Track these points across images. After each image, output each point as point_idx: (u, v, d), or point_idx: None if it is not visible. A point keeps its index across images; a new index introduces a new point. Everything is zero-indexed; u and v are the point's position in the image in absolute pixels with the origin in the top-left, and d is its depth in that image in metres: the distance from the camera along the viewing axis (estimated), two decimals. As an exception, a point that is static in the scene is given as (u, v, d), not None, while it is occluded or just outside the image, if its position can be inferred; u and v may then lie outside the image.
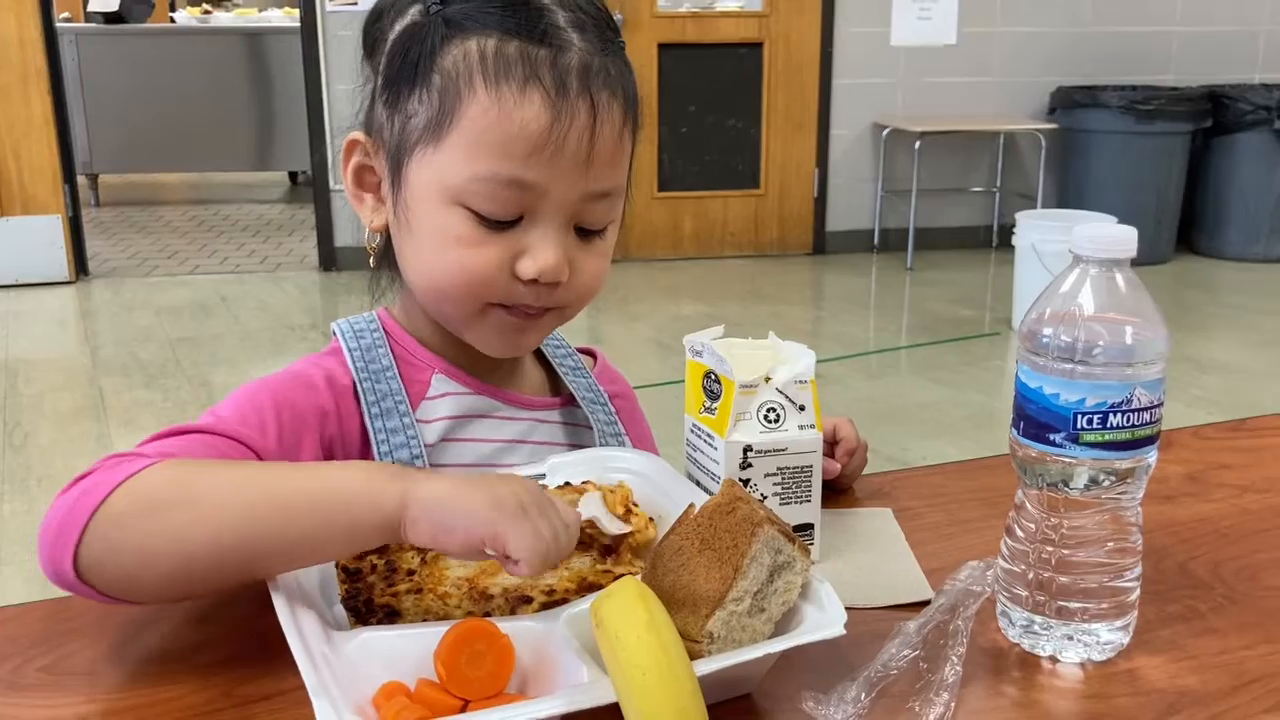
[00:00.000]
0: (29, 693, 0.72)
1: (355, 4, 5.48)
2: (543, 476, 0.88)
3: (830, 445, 1.01)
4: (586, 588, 0.76)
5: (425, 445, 0.91)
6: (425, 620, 0.73)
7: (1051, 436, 0.74)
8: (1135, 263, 0.73)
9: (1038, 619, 0.78)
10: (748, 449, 0.86)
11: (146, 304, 5.20)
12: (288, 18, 7.80)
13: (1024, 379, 0.76)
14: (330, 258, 5.73)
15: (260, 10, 8.82)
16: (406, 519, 0.70)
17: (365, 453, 0.91)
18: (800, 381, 0.88)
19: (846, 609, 0.69)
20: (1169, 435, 1.13)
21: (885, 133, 5.91)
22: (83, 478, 0.73)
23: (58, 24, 5.61)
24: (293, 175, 8.37)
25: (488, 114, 0.83)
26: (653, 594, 0.66)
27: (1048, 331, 0.74)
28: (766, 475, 0.87)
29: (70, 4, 8.21)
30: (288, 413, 0.88)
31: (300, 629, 0.68)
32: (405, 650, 0.68)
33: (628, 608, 0.64)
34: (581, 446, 0.99)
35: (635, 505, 0.82)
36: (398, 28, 0.89)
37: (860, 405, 3.82)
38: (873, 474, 1.07)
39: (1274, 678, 0.75)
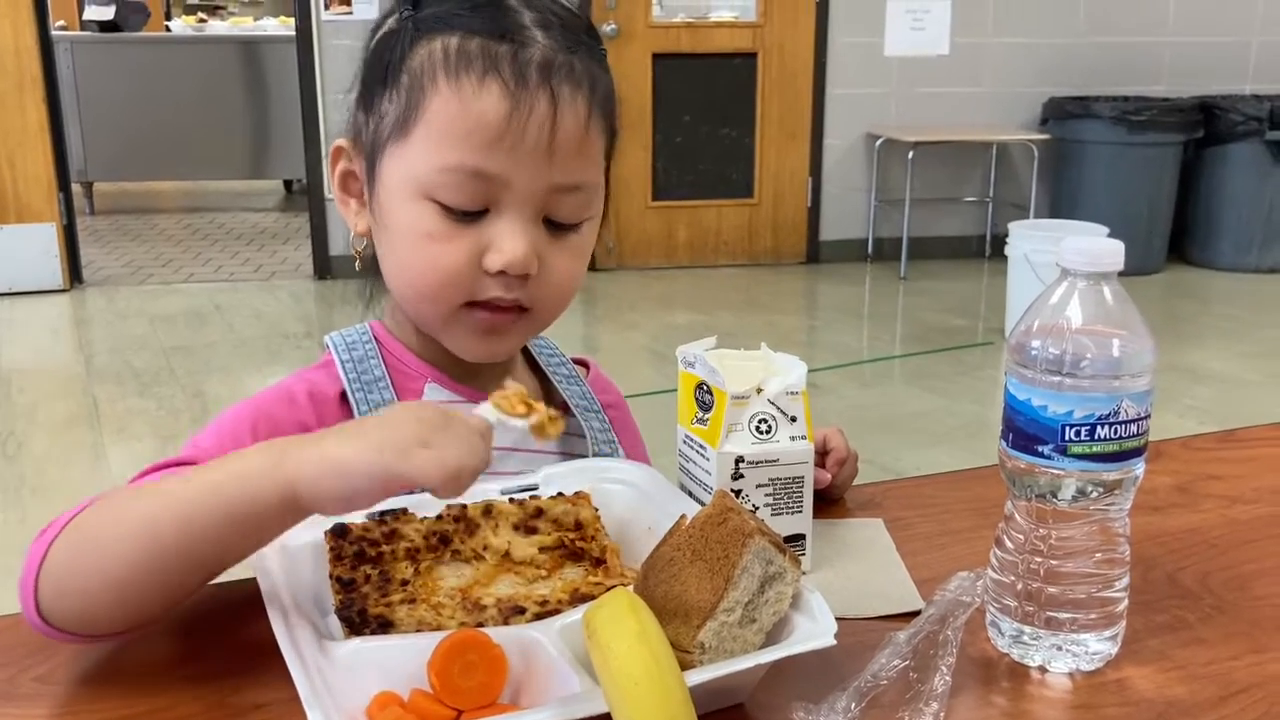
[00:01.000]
0: (24, 702, 0.73)
1: (351, 13, 5.49)
2: (535, 486, 0.89)
3: (820, 455, 1.02)
4: (579, 598, 0.77)
5: None
6: (419, 630, 0.74)
7: (1040, 448, 0.75)
8: (1127, 273, 0.74)
9: (1027, 629, 0.78)
10: (739, 460, 0.87)
11: (141, 312, 5.20)
12: (283, 26, 7.81)
13: (1013, 391, 0.76)
14: (325, 266, 5.73)
15: (255, 19, 8.83)
16: (304, 499, 0.70)
17: None
18: (792, 393, 0.89)
19: (837, 619, 0.70)
20: (1158, 446, 1.13)
21: (879, 142, 5.92)
22: (45, 530, 0.75)
23: (53, 32, 5.61)
24: (288, 184, 8.37)
25: (448, 105, 0.85)
26: (644, 604, 0.67)
27: (1036, 344, 0.75)
28: (758, 486, 0.88)
29: (66, 12, 8.22)
30: (265, 430, 0.89)
31: (294, 638, 0.68)
32: (399, 660, 0.69)
33: (619, 618, 0.65)
34: (575, 455, 0.99)
35: (533, 401, 0.80)
36: (377, 36, 0.93)
37: (853, 414, 3.83)
38: (864, 484, 1.08)
39: (1261, 688, 0.75)
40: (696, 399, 0.91)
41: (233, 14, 10.00)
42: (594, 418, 1.03)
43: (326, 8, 5.52)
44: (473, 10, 0.87)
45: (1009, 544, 0.80)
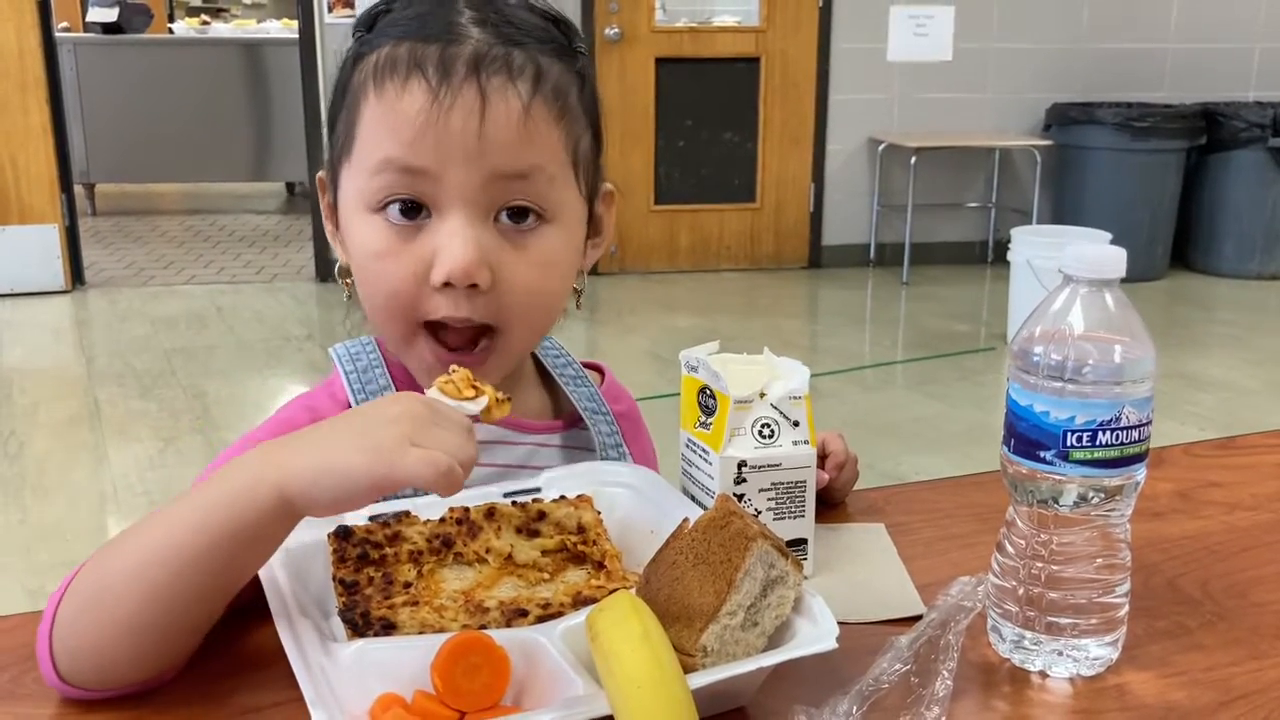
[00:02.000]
0: (27, 702, 0.73)
1: (354, 16, 5.50)
2: (538, 490, 0.89)
3: (819, 459, 1.01)
4: (582, 601, 0.77)
5: None
6: (422, 632, 0.74)
7: (1041, 454, 0.75)
8: (1129, 279, 0.74)
9: (1028, 634, 0.78)
10: (742, 464, 0.87)
11: (142, 314, 5.20)
12: (285, 29, 7.82)
13: (1015, 397, 0.77)
14: (327, 269, 5.73)
15: (258, 21, 8.84)
16: (297, 505, 0.69)
17: None
18: (794, 397, 0.89)
19: (839, 623, 0.70)
20: (1160, 453, 1.13)
21: (881, 148, 5.93)
22: (51, 596, 0.74)
23: (57, 34, 5.62)
24: (290, 186, 8.38)
25: (375, 112, 0.85)
26: (647, 608, 0.67)
27: (1038, 350, 0.75)
28: (761, 490, 0.88)
29: (69, 14, 8.23)
30: None
31: (298, 640, 0.69)
32: (402, 662, 0.69)
33: (622, 621, 0.65)
34: (581, 456, 0.99)
35: (480, 383, 0.79)
36: (340, 64, 0.92)
37: (855, 419, 3.83)
38: (866, 489, 1.08)
39: (1261, 694, 0.75)
40: (699, 403, 0.91)
41: (235, 16, 10.02)
42: (602, 421, 1.01)
43: (329, 10, 5.53)
44: (414, 18, 0.86)
45: (1010, 549, 0.80)
